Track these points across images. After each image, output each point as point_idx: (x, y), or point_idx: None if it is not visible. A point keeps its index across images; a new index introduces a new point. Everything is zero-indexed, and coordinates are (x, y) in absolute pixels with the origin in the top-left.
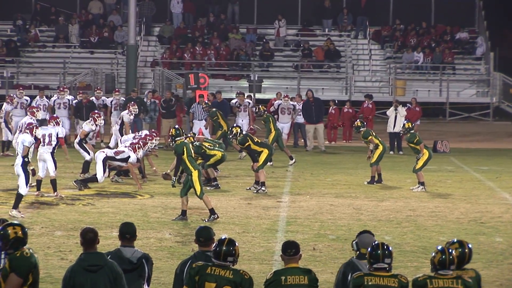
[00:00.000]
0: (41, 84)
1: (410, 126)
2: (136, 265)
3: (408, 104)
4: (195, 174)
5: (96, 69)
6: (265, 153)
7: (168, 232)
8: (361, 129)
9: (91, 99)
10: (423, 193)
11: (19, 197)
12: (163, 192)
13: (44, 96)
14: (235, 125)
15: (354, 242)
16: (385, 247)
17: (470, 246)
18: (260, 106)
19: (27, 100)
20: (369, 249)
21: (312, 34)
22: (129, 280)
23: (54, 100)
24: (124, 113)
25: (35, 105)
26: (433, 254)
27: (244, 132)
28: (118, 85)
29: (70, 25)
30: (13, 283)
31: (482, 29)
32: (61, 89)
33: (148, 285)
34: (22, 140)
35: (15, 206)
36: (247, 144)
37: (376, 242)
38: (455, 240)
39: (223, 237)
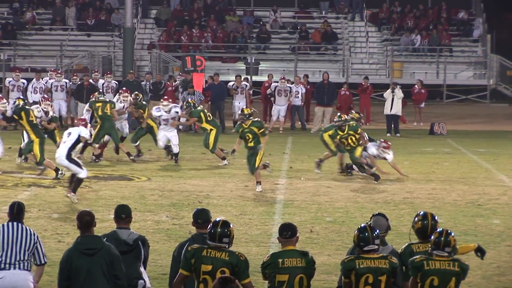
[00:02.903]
0: (38, 67)
1: (346, 118)
2: (132, 247)
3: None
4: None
5: (93, 51)
6: (213, 132)
7: (165, 214)
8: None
9: (89, 81)
10: (421, 175)
11: (79, 181)
12: (160, 174)
13: (41, 79)
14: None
15: (368, 224)
16: (373, 229)
17: (435, 217)
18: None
19: (23, 83)
20: (356, 232)
21: (309, 16)
22: (125, 262)
23: (52, 83)
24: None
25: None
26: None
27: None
28: (115, 67)
29: (67, 7)
30: None
31: (480, 11)
32: (56, 72)
33: (145, 268)
34: (78, 132)
35: (74, 190)
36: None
37: (362, 225)
38: (421, 213)
39: (217, 219)
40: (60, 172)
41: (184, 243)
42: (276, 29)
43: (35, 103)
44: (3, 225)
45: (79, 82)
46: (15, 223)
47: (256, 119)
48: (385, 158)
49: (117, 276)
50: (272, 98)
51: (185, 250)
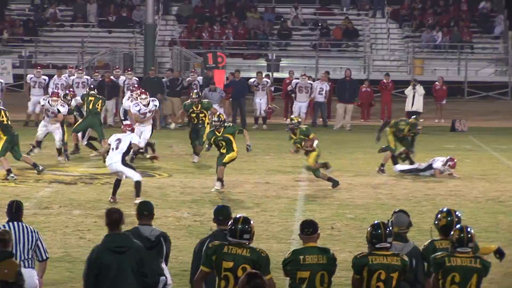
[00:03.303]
0: (59, 64)
1: (298, 120)
2: (154, 243)
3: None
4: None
5: (114, 48)
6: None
7: (186, 211)
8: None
9: (111, 77)
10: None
11: (138, 185)
12: (181, 171)
13: (62, 76)
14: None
15: (389, 221)
16: (386, 226)
17: (458, 214)
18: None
19: (45, 80)
20: (369, 229)
21: (330, 13)
22: (147, 259)
23: (73, 80)
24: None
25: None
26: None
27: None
28: (136, 64)
29: (88, 4)
30: None
31: (501, 7)
32: (77, 68)
33: (166, 264)
34: (130, 139)
35: (138, 195)
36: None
37: (376, 222)
38: (445, 209)
39: (238, 216)
40: (11, 175)
41: (205, 240)
42: (297, 26)
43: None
44: (4, 226)
45: (101, 79)
46: (15, 223)
47: (229, 124)
48: (451, 174)
49: (145, 274)
50: (293, 95)
51: (206, 247)
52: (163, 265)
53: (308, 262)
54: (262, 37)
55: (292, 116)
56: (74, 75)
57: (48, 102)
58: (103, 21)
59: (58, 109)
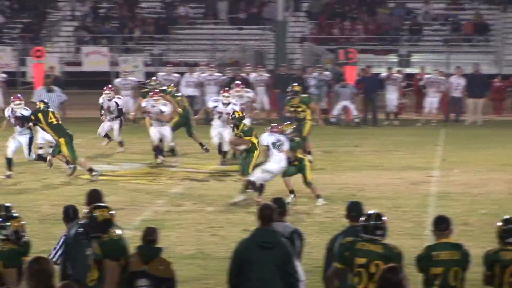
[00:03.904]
0: (190, 61)
1: (241, 115)
2: (288, 240)
3: None
4: None
5: (244, 45)
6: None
7: (318, 207)
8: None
9: (241, 75)
10: None
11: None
12: (313, 167)
13: (194, 73)
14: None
15: None
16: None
17: None
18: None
19: (176, 77)
20: (500, 223)
21: (461, 8)
22: None
23: (204, 77)
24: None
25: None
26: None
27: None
28: (266, 61)
29: (219, 1)
30: (112, 268)
31: None
32: (208, 66)
33: (299, 260)
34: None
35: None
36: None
37: (507, 217)
38: None
39: (371, 212)
40: (94, 173)
41: (338, 236)
42: (428, 21)
43: (189, 97)
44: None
45: (232, 76)
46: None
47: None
48: None
49: (289, 273)
50: (424, 90)
51: (339, 243)
52: (296, 261)
53: (441, 258)
54: (393, 32)
55: (235, 111)
56: (205, 73)
57: (150, 103)
58: (233, 18)
59: (160, 109)
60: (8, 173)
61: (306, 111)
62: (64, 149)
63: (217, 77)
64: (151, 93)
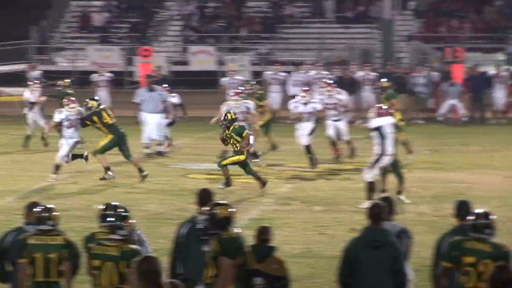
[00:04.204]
0: (297, 60)
1: (233, 117)
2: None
3: None
4: None
5: (351, 44)
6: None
7: (426, 206)
8: None
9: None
10: None
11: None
12: (420, 166)
13: (300, 72)
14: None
15: None
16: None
17: None
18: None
19: (283, 76)
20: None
21: None
22: None
23: (312, 76)
24: None
25: None
26: None
27: None
28: (374, 60)
29: (326, 0)
30: (228, 266)
31: None
32: (315, 65)
33: (407, 260)
34: None
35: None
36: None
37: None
38: None
39: (479, 211)
40: (110, 172)
41: (446, 235)
42: None
43: (294, 96)
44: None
45: (340, 75)
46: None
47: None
48: None
49: (399, 272)
50: None
51: (447, 242)
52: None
53: None
54: (501, 30)
55: (227, 113)
56: (312, 72)
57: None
58: (340, 17)
59: (246, 107)
60: (54, 176)
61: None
62: (103, 142)
63: (324, 75)
64: (235, 93)
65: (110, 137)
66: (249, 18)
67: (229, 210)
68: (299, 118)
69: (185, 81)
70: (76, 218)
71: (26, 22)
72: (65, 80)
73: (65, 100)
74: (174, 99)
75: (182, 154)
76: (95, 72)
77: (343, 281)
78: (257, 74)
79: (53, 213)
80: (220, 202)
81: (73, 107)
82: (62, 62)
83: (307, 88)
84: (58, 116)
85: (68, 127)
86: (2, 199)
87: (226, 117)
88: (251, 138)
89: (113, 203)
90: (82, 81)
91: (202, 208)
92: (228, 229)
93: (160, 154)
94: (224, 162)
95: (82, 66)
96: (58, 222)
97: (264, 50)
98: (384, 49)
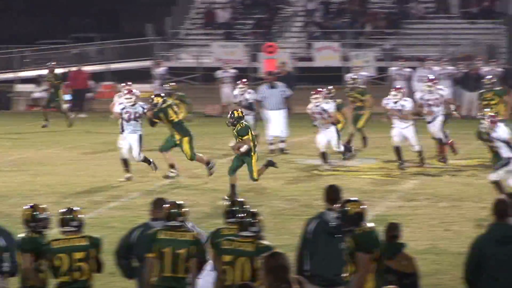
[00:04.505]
0: (422, 56)
1: (240, 115)
2: None
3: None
4: None
5: (476, 39)
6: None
7: None
8: None
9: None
10: None
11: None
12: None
13: (425, 68)
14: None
15: None
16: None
17: None
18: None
19: (408, 72)
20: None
21: None
22: None
23: (437, 71)
24: None
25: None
26: None
27: None
28: (499, 55)
29: None
30: (365, 261)
31: None
32: (441, 60)
33: None
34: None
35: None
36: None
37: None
38: None
39: None
40: (210, 165)
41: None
42: None
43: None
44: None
45: (466, 70)
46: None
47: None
48: None
49: None
50: None
51: None
52: None
53: None
54: None
55: (234, 110)
56: (437, 67)
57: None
58: (465, 12)
59: (323, 108)
60: (127, 175)
61: (499, 104)
62: (186, 147)
63: (449, 71)
64: (315, 91)
65: (186, 139)
66: (374, 14)
67: (360, 206)
68: (394, 116)
69: (310, 77)
70: (204, 214)
71: (150, 19)
72: (171, 84)
73: (123, 86)
74: (251, 95)
75: (306, 150)
76: (219, 68)
77: (469, 278)
78: (381, 70)
79: (183, 209)
80: (351, 198)
81: (129, 98)
82: (186, 59)
83: (400, 87)
84: (118, 107)
85: (127, 120)
86: (128, 196)
87: (232, 114)
88: (245, 147)
89: (239, 200)
90: (207, 77)
91: (334, 206)
92: (361, 224)
93: (282, 151)
94: (254, 174)
95: (206, 62)
96: (187, 219)
97: (388, 46)
98: (509, 45)
